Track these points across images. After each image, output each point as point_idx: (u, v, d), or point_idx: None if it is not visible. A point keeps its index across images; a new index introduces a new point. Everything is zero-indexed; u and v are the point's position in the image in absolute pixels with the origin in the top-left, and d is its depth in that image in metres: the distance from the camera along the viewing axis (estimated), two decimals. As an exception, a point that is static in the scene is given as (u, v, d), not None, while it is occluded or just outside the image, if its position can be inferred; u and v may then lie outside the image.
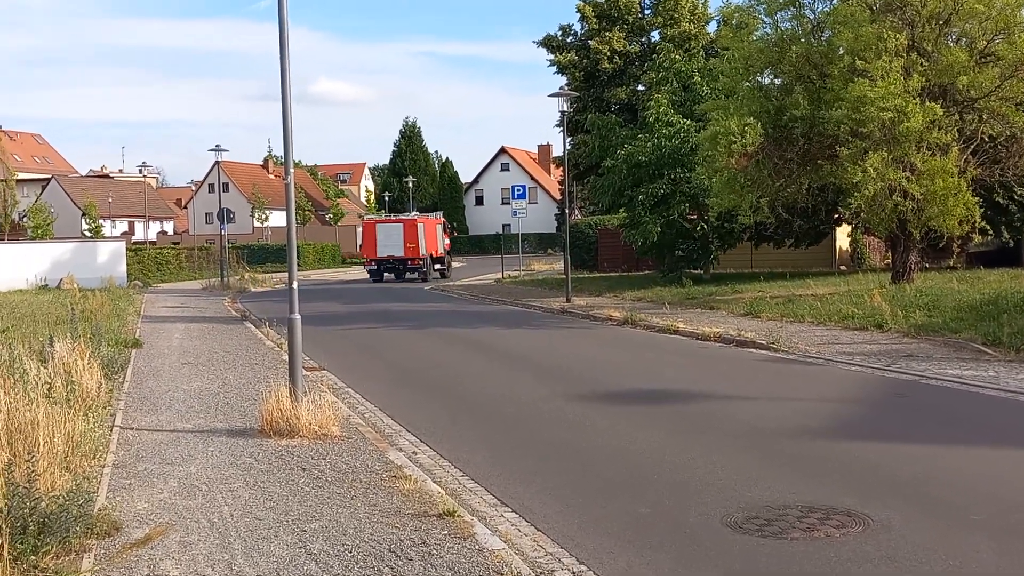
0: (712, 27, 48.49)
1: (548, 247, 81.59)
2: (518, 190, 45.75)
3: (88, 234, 75.25)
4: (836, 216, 29.96)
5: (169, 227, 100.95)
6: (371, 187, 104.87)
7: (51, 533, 6.66)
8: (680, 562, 6.64)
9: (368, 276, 47.27)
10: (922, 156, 21.30)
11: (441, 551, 6.74)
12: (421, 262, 45.98)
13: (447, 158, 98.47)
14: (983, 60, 22.20)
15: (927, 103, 21.20)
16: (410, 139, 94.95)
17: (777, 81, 25.39)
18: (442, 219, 52.69)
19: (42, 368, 11.96)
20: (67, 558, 6.64)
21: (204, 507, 7.96)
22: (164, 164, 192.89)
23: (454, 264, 54.90)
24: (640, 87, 48.58)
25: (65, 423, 9.06)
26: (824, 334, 18.09)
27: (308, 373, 13.90)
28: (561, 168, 43.22)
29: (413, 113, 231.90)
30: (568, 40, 53.69)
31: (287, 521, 7.53)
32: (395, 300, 33.69)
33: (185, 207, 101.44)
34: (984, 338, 15.46)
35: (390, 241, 45.65)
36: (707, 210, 28.96)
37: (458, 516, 7.48)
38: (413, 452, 10.11)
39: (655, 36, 51.74)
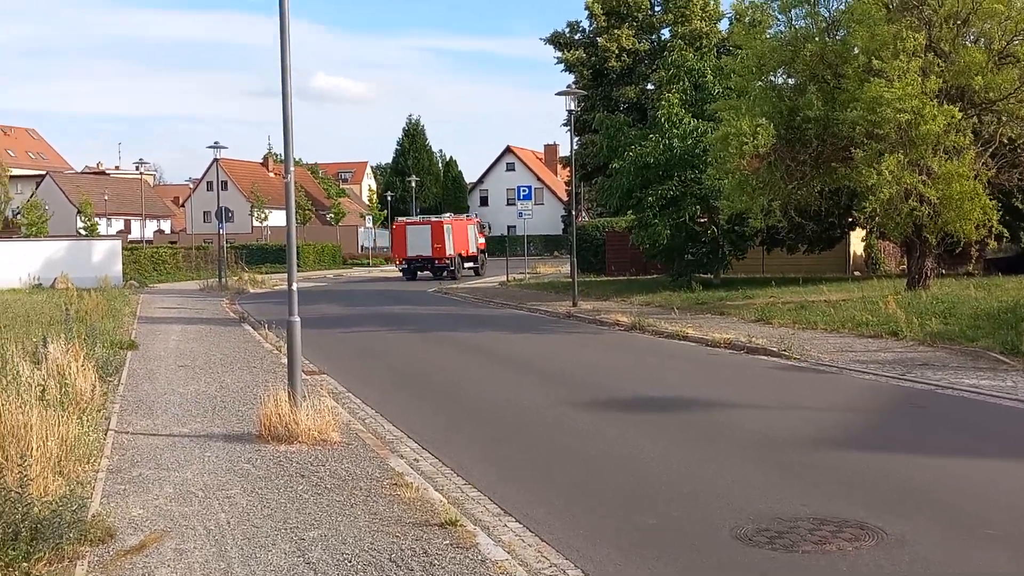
0: (724, 25, 48.32)
1: (554, 249, 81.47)
2: (524, 191, 45.65)
3: (83, 232, 75.00)
4: (850, 220, 29.69)
5: (166, 226, 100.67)
6: (373, 186, 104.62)
7: (44, 539, 6.64)
8: (687, 574, 6.51)
9: (401, 275, 49.86)
10: (939, 159, 21.07)
11: (443, 561, 6.60)
12: (448, 261, 48.10)
13: (451, 157, 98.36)
14: (1002, 61, 21.89)
15: (945, 105, 20.94)
16: (413, 137, 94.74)
17: (790, 81, 25.14)
18: (476, 220, 55.51)
19: (35, 370, 11.84)
20: (60, 565, 6.57)
21: (200, 514, 7.82)
22: (162, 161, 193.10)
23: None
24: (650, 86, 48.32)
25: (59, 426, 8.95)
26: (837, 341, 17.92)
27: (307, 377, 13.77)
28: (568, 168, 43.26)
29: (417, 110, 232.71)
30: (576, 37, 53.46)
31: (285, 529, 7.39)
32: (397, 303, 33.54)
33: (183, 205, 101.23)
34: (1002, 347, 15.26)
35: (419, 241, 47.82)
36: (718, 213, 28.70)
37: (460, 525, 7.34)
38: (415, 459, 9.95)
39: (665, 34, 51.39)
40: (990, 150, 22.60)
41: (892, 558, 6.57)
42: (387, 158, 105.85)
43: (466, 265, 50.83)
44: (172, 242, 75.73)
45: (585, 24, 53.43)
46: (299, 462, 9.47)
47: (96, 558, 6.76)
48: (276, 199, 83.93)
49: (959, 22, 22.32)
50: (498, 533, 7.44)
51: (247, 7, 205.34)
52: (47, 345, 13.61)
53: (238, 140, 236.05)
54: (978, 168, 21.73)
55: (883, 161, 20.60)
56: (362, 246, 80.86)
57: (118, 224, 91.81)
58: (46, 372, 11.88)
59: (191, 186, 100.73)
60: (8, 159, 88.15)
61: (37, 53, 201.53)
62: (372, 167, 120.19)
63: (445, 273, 47.95)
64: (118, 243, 49.30)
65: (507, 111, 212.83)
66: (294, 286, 11.31)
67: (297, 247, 12.66)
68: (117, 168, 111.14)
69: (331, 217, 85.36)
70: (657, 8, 52.16)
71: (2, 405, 8.82)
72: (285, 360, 13.16)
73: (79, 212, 79.76)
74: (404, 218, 53.40)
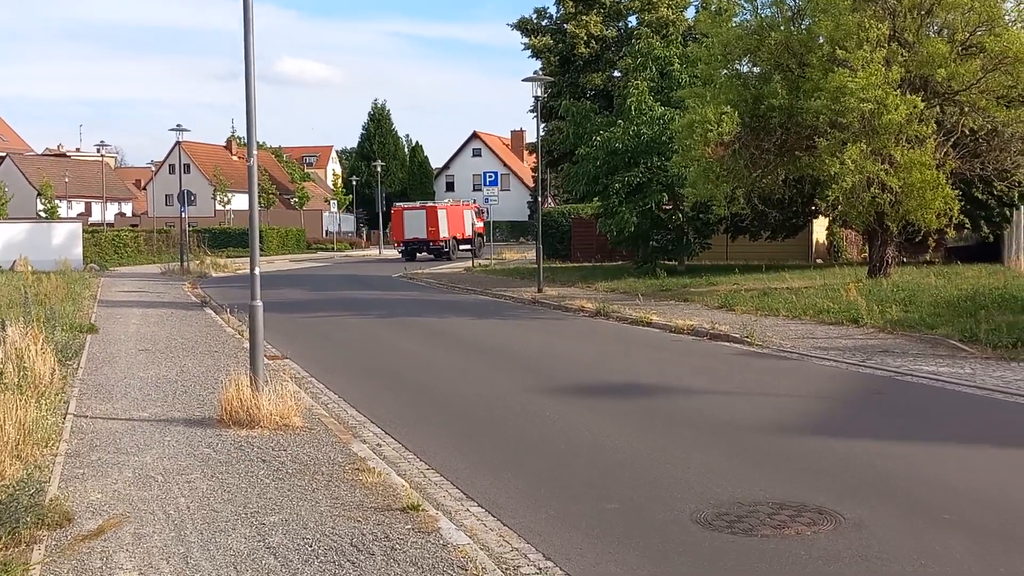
0: (691, 13, 48.38)
1: (520, 235, 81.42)
2: (490, 176, 45.73)
3: (43, 215, 74.00)
4: (813, 208, 29.95)
5: (127, 209, 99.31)
6: (338, 171, 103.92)
7: (0, 524, 6.46)
8: (648, 558, 6.54)
9: (400, 256, 53.59)
10: (901, 149, 21.23)
11: (404, 546, 6.60)
12: (444, 243, 51.93)
13: (417, 142, 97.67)
14: (965, 52, 22.09)
15: (908, 95, 21.10)
16: (379, 122, 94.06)
17: (756, 69, 25.23)
18: (475, 205, 58.64)
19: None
20: (16, 549, 6.50)
21: (160, 498, 7.77)
22: (124, 144, 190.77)
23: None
24: (616, 73, 48.37)
25: (16, 410, 8.86)
26: (799, 328, 18.06)
27: (270, 362, 13.68)
28: (535, 155, 43.12)
29: (383, 95, 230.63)
30: (543, 23, 53.34)
31: (246, 514, 7.35)
32: (362, 288, 33.40)
33: (144, 188, 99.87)
34: (961, 335, 15.43)
35: (415, 225, 51.48)
36: (683, 200, 28.80)
37: (422, 510, 7.34)
38: (377, 444, 9.93)
39: (632, 21, 51.47)
40: (952, 140, 22.80)
41: (849, 542, 6.64)
42: (352, 142, 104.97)
43: (462, 247, 53.48)
44: (133, 225, 74.77)
45: (552, 10, 53.38)
46: (260, 447, 9.41)
47: (53, 542, 6.70)
48: (239, 183, 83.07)
49: (923, 12, 22.51)
50: (460, 518, 7.44)
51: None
52: (5, 328, 13.42)
53: (203, 124, 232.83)
54: (940, 157, 21.94)
55: (846, 150, 20.76)
56: (327, 230, 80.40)
57: (79, 207, 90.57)
58: (4, 355, 11.76)
59: (153, 169, 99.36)
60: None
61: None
62: (337, 151, 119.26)
63: (440, 254, 50.73)
64: (78, 226, 48.72)
65: (474, 97, 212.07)
66: (257, 270, 11.22)
67: (261, 231, 12.56)
68: (78, 150, 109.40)
69: (295, 201, 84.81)
70: (625, -5, 52.20)
71: (-42, 388, 8.71)
72: (247, 345, 13.07)
73: (39, 194, 78.66)
74: (402, 203, 56.45)
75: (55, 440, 9.45)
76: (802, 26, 24.09)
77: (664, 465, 8.82)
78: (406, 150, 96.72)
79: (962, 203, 22.64)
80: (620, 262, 38.72)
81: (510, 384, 13.30)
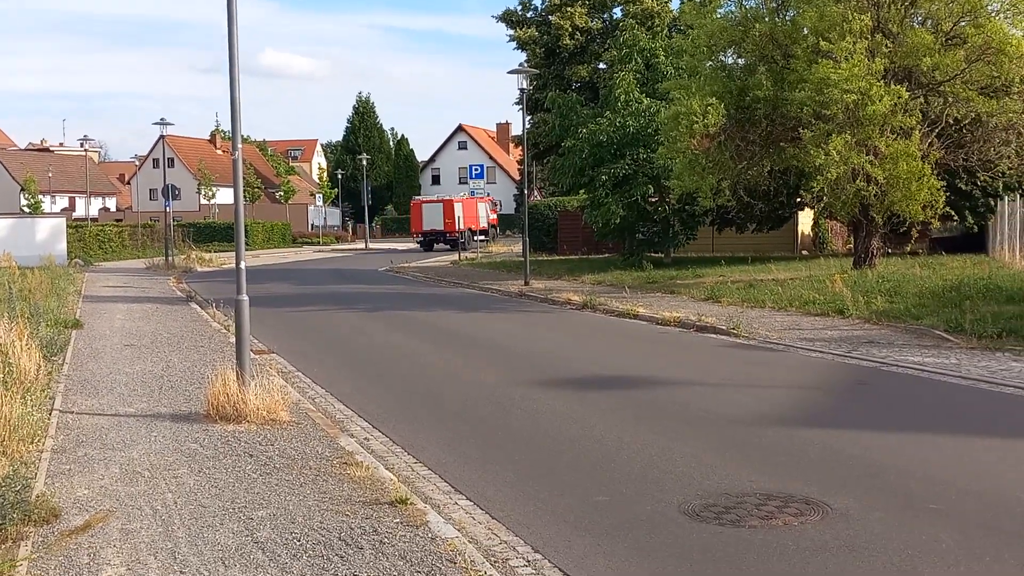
0: (675, 4, 48.40)
1: (507, 228, 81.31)
2: (476, 169, 45.82)
3: (27, 210, 73.55)
4: (798, 200, 29.99)
5: (111, 203, 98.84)
6: (324, 164, 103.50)
7: (-14, 519, 6.45)
8: (636, 549, 6.55)
9: (418, 247, 57.43)
10: (886, 140, 21.28)
11: (393, 539, 6.59)
12: (459, 234, 54.04)
13: (403, 135, 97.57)
14: (949, 43, 22.13)
15: (892, 86, 21.13)
16: (364, 115, 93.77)
17: (740, 61, 25.29)
18: (489, 199, 62.39)
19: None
20: (3, 546, 6.50)
21: (147, 494, 7.74)
22: (107, 138, 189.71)
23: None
24: (602, 65, 48.35)
25: (2, 406, 8.80)
26: (785, 320, 18.10)
27: (256, 356, 13.65)
28: (520, 147, 43.21)
29: (368, 88, 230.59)
30: (528, 15, 53.23)
31: (233, 509, 7.33)
32: (348, 282, 33.34)
33: (128, 183, 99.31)
34: (946, 325, 15.49)
35: (433, 217, 54.62)
36: (669, 192, 28.84)
37: (411, 504, 7.33)
38: (365, 438, 9.92)
39: (617, 13, 51.45)
40: (936, 131, 22.86)
41: (837, 532, 6.67)
42: (337, 136, 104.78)
43: (476, 238, 55.69)
44: (118, 220, 74.49)
45: (537, 2, 53.26)
46: (247, 441, 9.39)
47: (40, 538, 6.67)
48: (224, 176, 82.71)
49: (907, 3, 22.56)
50: (448, 511, 7.44)
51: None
52: (-11, 324, 13.33)
53: (187, 117, 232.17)
54: (925, 148, 22.01)
55: (831, 141, 20.81)
56: (312, 224, 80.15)
57: (62, 202, 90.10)
58: (-12, 351, 11.66)
59: (137, 163, 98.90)
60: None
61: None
62: (322, 145, 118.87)
63: (456, 245, 52.83)
64: (62, 221, 48.44)
65: (459, 89, 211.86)
66: (242, 264, 11.18)
67: (246, 225, 12.51)
68: (61, 145, 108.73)
69: (280, 195, 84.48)
70: (610, -14, 52.18)
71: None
72: (233, 339, 13.03)
73: (23, 189, 78.19)
74: (420, 197, 60.78)
75: (41, 436, 9.41)
76: (786, 17, 24.14)
77: (652, 457, 8.84)
78: (391, 143, 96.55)
79: (947, 194, 22.73)
80: (607, 255, 38.76)
81: (498, 377, 13.29)
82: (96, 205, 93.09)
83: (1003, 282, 19.12)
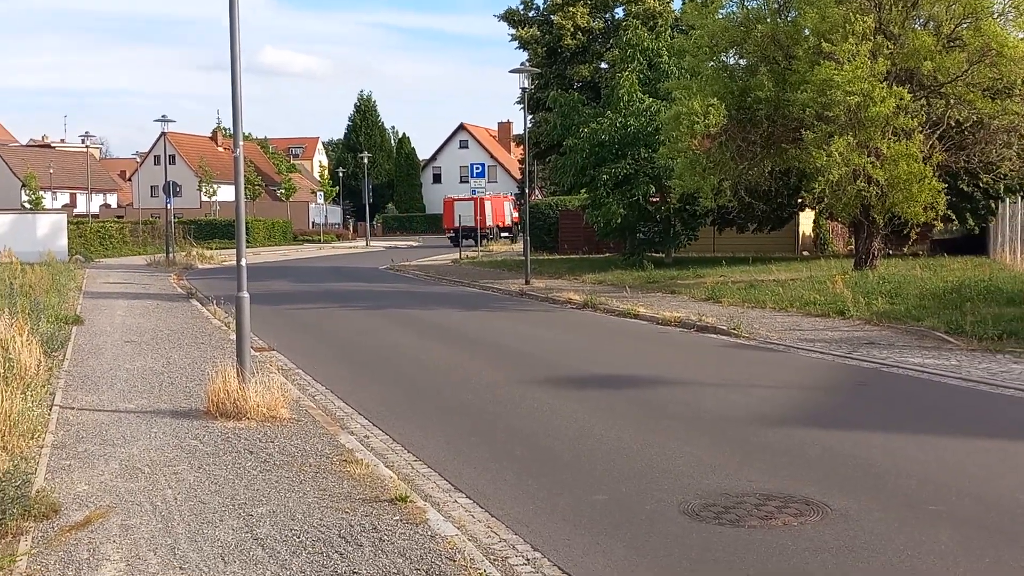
0: (677, 4, 48.44)
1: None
2: (477, 168, 45.80)
3: (28, 206, 73.48)
4: (799, 201, 29.98)
5: (112, 200, 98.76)
6: (325, 162, 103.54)
7: (-13, 515, 6.45)
8: (635, 549, 6.55)
9: (448, 242, 60.08)
10: (887, 141, 21.25)
11: (392, 537, 6.59)
12: (488, 230, 57.78)
13: (404, 134, 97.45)
14: (950, 45, 22.13)
15: (894, 87, 21.12)
16: (365, 113, 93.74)
17: (742, 61, 25.29)
18: (511, 197, 68.04)
19: (-22, 344, 11.57)
20: (3, 541, 6.50)
21: (147, 490, 7.74)
22: (108, 135, 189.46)
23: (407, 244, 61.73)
24: (604, 65, 48.35)
25: (2, 401, 8.82)
26: (785, 320, 18.09)
27: (257, 353, 13.64)
28: (522, 146, 43.21)
29: (369, 86, 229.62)
30: (530, 14, 53.27)
31: (233, 505, 7.33)
32: (349, 280, 33.34)
33: (129, 179, 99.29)
34: (947, 326, 15.48)
35: (465, 214, 56.45)
36: (670, 192, 28.82)
37: (410, 501, 7.33)
38: (365, 436, 9.92)
39: (619, 13, 51.46)
40: (938, 132, 22.85)
41: (836, 533, 6.67)
42: (339, 134, 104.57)
43: (502, 235, 60.49)
44: (119, 216, 74.45)
45: (539, 1, 53.29)
46: (247, 438, 9.39)
47: (40, 534, 6.67)
48: (225, 174, 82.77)
49: (908, 5, 22.57)
50: (448, 509, 7.44)
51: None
52: (-10, 319, 13.33)
53: (188, 114, 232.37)
54: (926, 150, 22.00)
55: (832, 143, 20.81)
56: (313, 222, 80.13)
57: (63, 198, 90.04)
58: (-12, 347, 11.66)
59: (138, 160, 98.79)
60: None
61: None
62: (323, 143, 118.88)
63: (484, 240, 55.87)
64: (63, 217, 48.38)
65: (461, 88, 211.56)
66: (243, 261, 11.18)
67: (247, 223, 12.52)
68: (63, 141, 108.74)
69: (281, 193, 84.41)
70: (612, -14, 52.19)
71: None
72: (234, 336, 13.03)
73: (24, 185, 78.11)
74: (452, 195, 63.30)
75: (41, 432, 9.41)
76: (788, 18, 24.12)
77: (651, 456, 8.84)
78: (392, 142, 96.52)
79: (948, 196, 22.72)
80: (607, 254, 38.72)
81: (498, 376, 13.29)
82: (97, 201, 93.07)
83: (1004, 284, 19.10)
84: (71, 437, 9.47)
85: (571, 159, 31.65)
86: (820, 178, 21.07)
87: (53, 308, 19.07)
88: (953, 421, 10.37)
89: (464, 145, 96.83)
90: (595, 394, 12.01)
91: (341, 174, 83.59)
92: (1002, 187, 27.15)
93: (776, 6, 24.42)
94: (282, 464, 8.48)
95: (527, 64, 43.91)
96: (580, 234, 42.53)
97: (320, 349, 16.66)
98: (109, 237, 53.19)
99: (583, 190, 33.42)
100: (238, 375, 10.50)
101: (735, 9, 24.90)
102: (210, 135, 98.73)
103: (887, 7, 22.45)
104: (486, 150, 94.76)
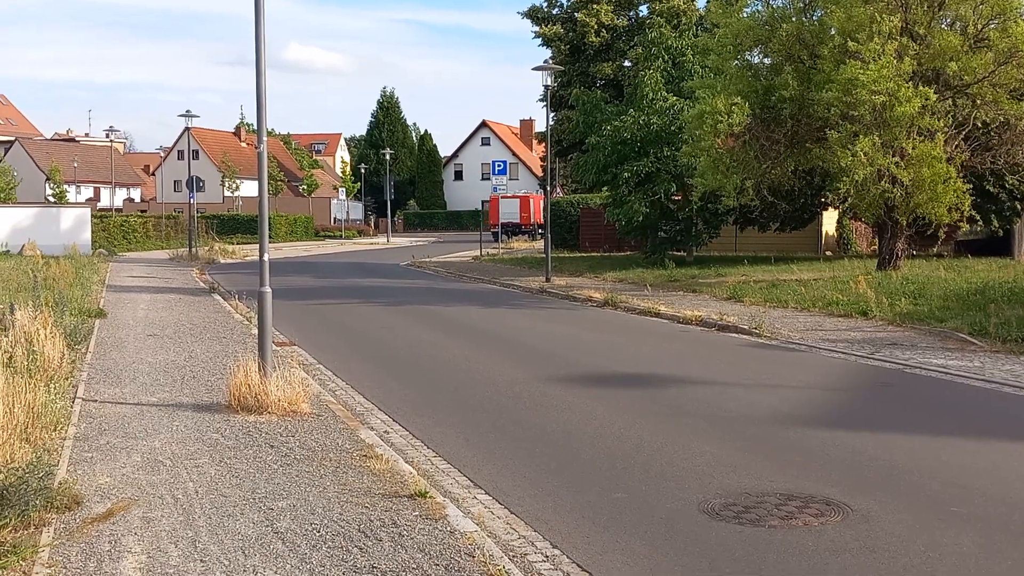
0: (702, 2, 48.28)
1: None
2: (499, 165, 45.96)
3: (52, 199, 74.13)
4: (822, 200, 29.82)
5: (136, 194, 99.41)
6: (347, 158, 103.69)
7: (9, 506, 6.58)
8: (655, 547, 6.54)
9: (492, 237, 60.26)
10: (913, 141, 21.11)
11: (412, 532, 6.61)
12: (531, 227, 60.88)
13: (426, 130, 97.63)
14: (977, 45, 21.96)
15: (920, 87, 20.98)
16: (388, 110, 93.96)
17: (767, 60, 25.19)
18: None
19: (2, 336, 11.69)
20: (26, 532, 6.51)
21: (168, 483, 7.78)
22: (132, 129, 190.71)
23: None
24: (627, 63, 48.20)
25: (25, 393, 8.86)
26: (807, 320, 18.00)
27: (278, 348, 13.68)
28: (544, 144, 43.21)
29: (392, 83, 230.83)
30: (554, 12, 53.20)
31: (254, 499, 7.36)
32: (370, 275, 33.42)
33: (153, 174, 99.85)
34: (970, 328, 15.36)
35: (509, 211, 60.20)
36: (692, 190, 28.71)
37: (430, 497, 7.34)
38: (385, 431, 9.94)
39: (644, 10, 51.31)
40: (963, 133, 22.70)
41: (857, 533, 6.63)
42: (361, 130, 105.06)
43: (540, 231, 59.52)
44: (142, 211, 74.95)
45: (563, -1, 53.22)
46: (268, 432, 9.43)
47: (62, 525, 6.71)
48: (248, 169, 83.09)
49: (935, 5, 22.42)
50: (468, 505, 7.45)
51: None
52: (14, 312, 13.42)
53: (211, 109, 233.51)
54: (951, 151, 21.84)
55: (857, 142, 20.67)
56: (335, 218, 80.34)
57: (87, 192, 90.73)
58: (13, 339, 11.76)
59: (162, 155, 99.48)
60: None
61: (7, 20, 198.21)
62: (346, 139, 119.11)
63: (527, 235, 59.02)
64: (87, 211, 48.76)
65: (483, 85, 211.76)
66: (266, 256, 11.23)
67: (269, 218, 12.56)
68: (87, 135, 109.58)
69: (304, 188, 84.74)
70: (635, -16, 52.02)
71: (-32, 371, 8.73)
72: (255, 331, 13.09)
73: (48, 179, 78.81)
74: (497, 193, 65.00)
75: (64, 424, 9.47)
76: (813, 17, 24.01)
77: (671, 455, 8.81)
78: (415, 138, 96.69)
79: (973, 197, 22.54)
80: (628, 252, 38.65)
81: (517, 373, 13.29)
82: (121, 196, 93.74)
83: (1028, 286, 18.93)
84: (93, 429, 9.53)
85: (593, 156, 31.59)
86: (844, 178, 20.94)
87: (76, 301, 19.22)
88: (976, 423, 10.30)
89: (486, 142, 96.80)
90: (615, 392, 11.99)
91: (363, 170, 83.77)
92: (1027, 189, 26.89)
93: (801, 5, 24.29)
94: (302, 458, 8.51)
95: (550, 61, 43.79)
96: (601, 232, 42.46)
97: (340, 344, 16.70)
98: (132, 231, 53.53)
99: (604, 188, 33.34)
100: (259, 369, 10.54)
101: (760, 8, 24.82)
102: (233, 130, 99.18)
103: (913, 7, 22.30)
104: (508, 147, 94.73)
